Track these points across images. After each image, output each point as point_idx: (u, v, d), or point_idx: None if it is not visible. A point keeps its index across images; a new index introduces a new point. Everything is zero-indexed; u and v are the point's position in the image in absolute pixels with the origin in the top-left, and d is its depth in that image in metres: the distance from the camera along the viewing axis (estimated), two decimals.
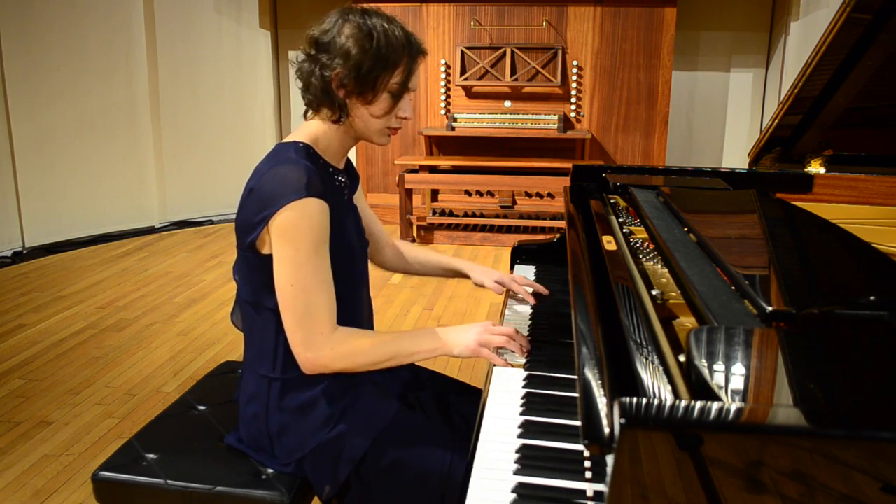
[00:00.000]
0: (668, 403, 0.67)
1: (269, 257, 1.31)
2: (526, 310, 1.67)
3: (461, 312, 3.75)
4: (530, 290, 1.72)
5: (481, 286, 1.75)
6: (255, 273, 1.35)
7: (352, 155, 5.90)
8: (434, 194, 5.63)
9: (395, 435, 1.35)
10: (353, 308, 1.47)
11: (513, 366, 1.36)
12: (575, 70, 5.49)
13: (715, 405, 0.66)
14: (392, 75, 1.33)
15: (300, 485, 1.36)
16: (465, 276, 1.78)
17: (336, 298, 1.36)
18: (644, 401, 0.68)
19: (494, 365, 1.36)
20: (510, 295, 1.74)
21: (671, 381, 0.82)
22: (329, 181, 1.38)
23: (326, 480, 1.34)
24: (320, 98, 1.34)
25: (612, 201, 1.82)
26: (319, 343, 1.30)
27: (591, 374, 0.97)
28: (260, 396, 1.40)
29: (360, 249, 1.52)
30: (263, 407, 1.39)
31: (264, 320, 1.38)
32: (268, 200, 1.27)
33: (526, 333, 1.52)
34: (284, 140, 1.39)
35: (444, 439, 1.35)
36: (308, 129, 1.40)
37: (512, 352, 1.39)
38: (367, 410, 1.38)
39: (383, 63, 1.31)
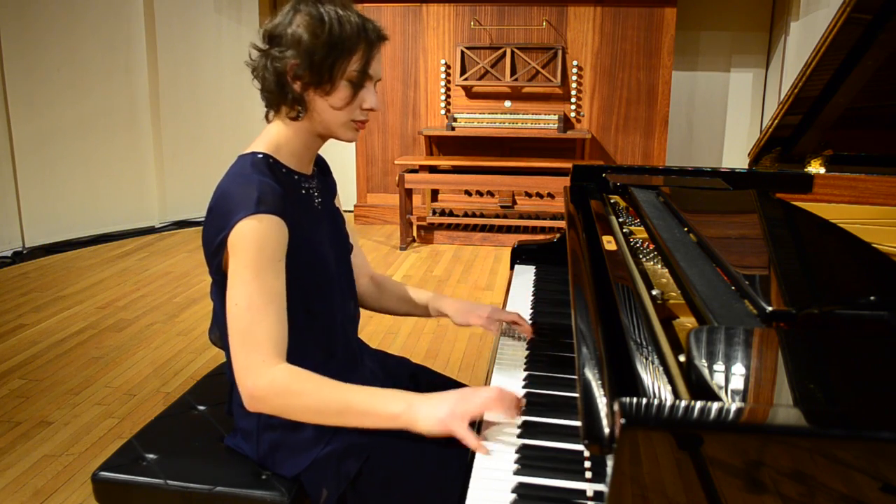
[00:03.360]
0: (668, 403, 0.67)
1: None
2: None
3: None
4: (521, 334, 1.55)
5: (466, 325, 1.59)
6: (223, 297, 1.28)
7: (349, 156, 5.91)
8: (434, 194, 5.63)
9: (390, 447, 1.30)
10: (329, 323, 1.40)
11: (489, 452, 1.08)
12: (575, 70, 5.49)
13: (715, 405, 0.66)
14: (349, 62, 1.25)
15: (300, 485, 1.35)
16: (445, 315, 1.61)
17: (308, 313, 1.30)
18: (644, 401, 0.68)
19: (471, 449, 1.10)
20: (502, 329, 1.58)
21: (671, 381, 0.82)
22: (293, 191, 1.32)
23: (322, 496, 1.31)
24: (276, 94, 1.28)
25: (612, 201, 1.82)
26: (259, 372, 1.18)
27: (591, 374, 0.97)
28: (251, 412, 1.36)
29: (338, 258, 1.44)
30: (254, 425, 1.36)
31: None
32: (222, 221, 1.22)
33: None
34: (245, 151, 1.32)
35: (441, 448, 1.30)
36: (269, 135, 1.33)
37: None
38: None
39: (339, 49, 1.23)
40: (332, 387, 1.19)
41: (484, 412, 1.14)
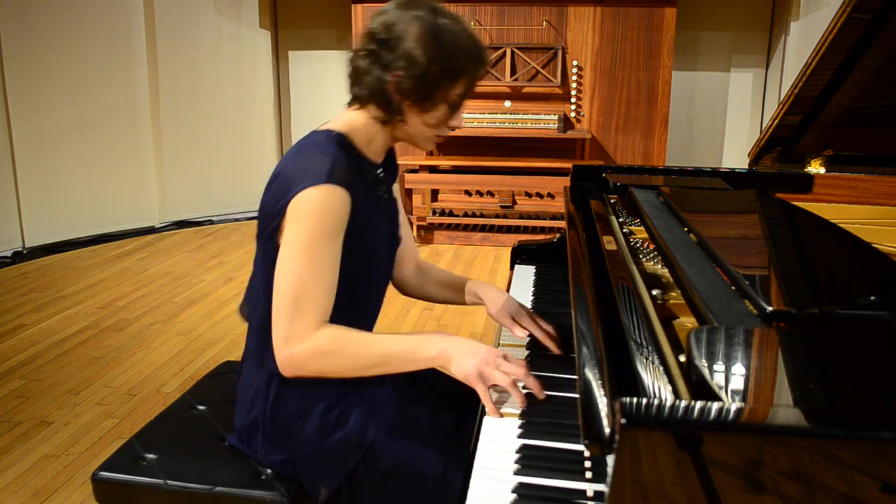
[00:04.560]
0: (669, 403, 0.67)
1: None
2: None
3: (462, 311, 3.74)
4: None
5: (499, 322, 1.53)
6: (272, 265, 1.27)
7: None
8: (434, 194, 5.63)
9: (388, 443, 1.31)
10: (364, 308, 1.42)
11: (503, 415, 1.18)
12: (575, 70, 5.49)
13: (715, 405, 0.66)
14: (454, 87, 1.26)
15: (300, 485, 1.36)
16: (482, 303, 1.56)
17: (347, 297, 1.30)
18: (644, 401, 0.68)
19: (485, 410, 1.19)
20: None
21: (671, 381, 0.82)
22: (360, 174, 1.31)
23: (319, 488, 1.32)
24: (373, 97, 1.27)
25: (612, 201, 1.82)
26: (300, 337, 1.21)
27: (591, 374, 0.97)
28: (258, 393, 1.37)
29: (387, 248, 1.45)
30: (260, 410, 1.36)
31: None
32: (288, 185, 1.22)
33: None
34: (319, 127, 1.32)
35: (439, 446, 1.31)
36: (347, 118, 1.32)
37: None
38: (361, 419, 1.33)
39: (448, 74, 1.23)
40: (372, 343, 1.25)
41: (503, 385, 1.20)
